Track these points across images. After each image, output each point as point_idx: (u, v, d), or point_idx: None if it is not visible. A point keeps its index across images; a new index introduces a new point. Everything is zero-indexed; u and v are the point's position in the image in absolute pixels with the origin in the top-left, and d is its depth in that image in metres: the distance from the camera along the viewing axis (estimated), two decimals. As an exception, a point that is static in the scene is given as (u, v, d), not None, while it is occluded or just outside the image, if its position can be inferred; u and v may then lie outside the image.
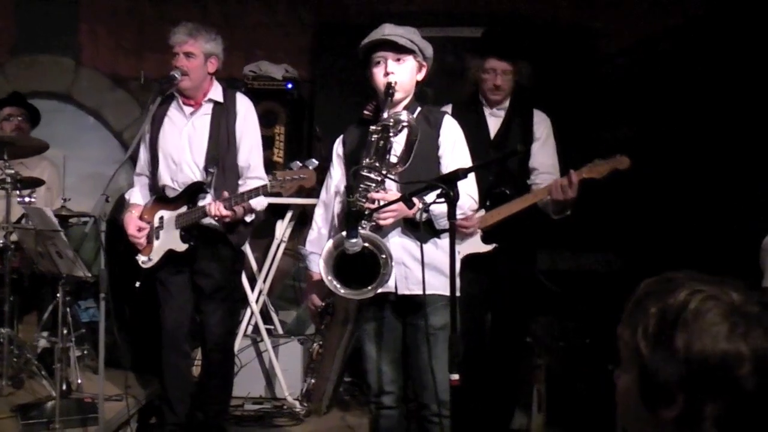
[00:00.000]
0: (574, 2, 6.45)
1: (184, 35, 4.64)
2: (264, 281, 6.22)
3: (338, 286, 3.46)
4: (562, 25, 6.39)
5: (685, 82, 5.94)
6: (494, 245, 4.41)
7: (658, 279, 1.56)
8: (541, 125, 4.63)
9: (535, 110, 4.67)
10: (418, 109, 3.75)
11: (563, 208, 4.32)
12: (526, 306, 4.75)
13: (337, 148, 3.91)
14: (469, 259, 4.25)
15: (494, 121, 4.63)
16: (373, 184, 3.48)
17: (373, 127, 3.55)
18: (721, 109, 5.83)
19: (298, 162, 4.27)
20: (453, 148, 3.71)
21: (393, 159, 3.54)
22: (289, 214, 6.20)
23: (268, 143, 5.93)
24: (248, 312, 6.12)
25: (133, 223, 4.72)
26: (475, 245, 4.39)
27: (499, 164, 4.44)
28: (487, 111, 4.64)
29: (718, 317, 1.46)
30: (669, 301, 1.49)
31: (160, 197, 4.73)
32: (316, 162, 4.18)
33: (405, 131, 3.56)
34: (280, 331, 6.36)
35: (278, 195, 4.33)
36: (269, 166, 5.66)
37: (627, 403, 1.56)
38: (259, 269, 6.24)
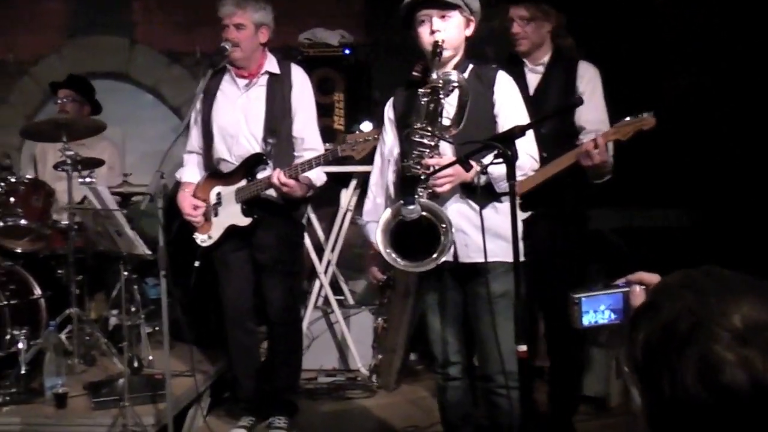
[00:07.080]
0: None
1: (232, 6, 4.55)
2: (332, 251, 6.15)
3: (397, 258, 3.35)
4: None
5: (751, 22, 5.59)
6: (530, 212, 4.12)
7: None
8: (585, 78, 4.27)
9: (581, 62, 4.32)
10: (470, 66, 3.58)
11: (599, 173, 4.01)
12: (577, 268, 4.35)
13: (388, 111, 3.77)
14: None
15: (534, 78, 4.33)
16: (427, 150, 3.34)
17: (422, 90, 3.39)
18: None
19: (368, 122, 4.16)
20: (509, 105, 3.53)
21: (445, 122, 3.39)
22: (353, 183, 6.10)
23: (327, 111, 5.85)
24: (317, 283, 6.07)
25: (187, 202, 4.67)
26: None
27: (556, 118, 4.14)
28: (527, 68, 4.35)
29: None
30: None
31: (213, 173, 4.66)
32: None
33: (456, 92, 3.40)
34: (351, 302, 6.30)
35: (350, 158, 4.20)
36: (330, 134, 5.59)
37: None
38: (326, 239, 6.17)
